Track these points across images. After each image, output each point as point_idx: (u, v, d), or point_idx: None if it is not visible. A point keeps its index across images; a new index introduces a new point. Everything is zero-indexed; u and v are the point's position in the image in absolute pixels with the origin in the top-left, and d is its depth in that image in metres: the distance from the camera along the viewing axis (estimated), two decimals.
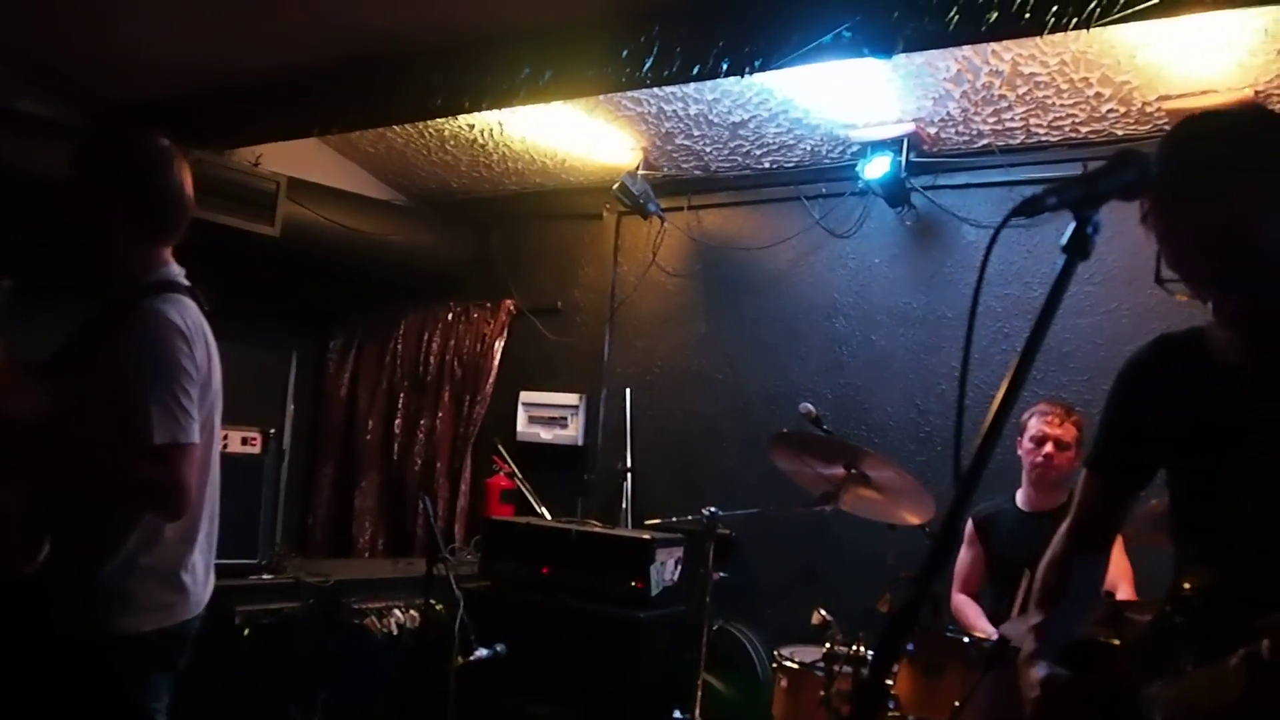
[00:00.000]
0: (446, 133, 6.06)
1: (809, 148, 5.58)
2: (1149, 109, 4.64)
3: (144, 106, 5.54)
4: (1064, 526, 2.05)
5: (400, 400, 6.97)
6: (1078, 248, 1.38)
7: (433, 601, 4.63)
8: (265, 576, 4.62)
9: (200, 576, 2.65)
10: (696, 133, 5.59)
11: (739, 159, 5.82)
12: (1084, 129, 4.90)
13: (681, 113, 5.40)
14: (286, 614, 4.55)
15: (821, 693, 3.74)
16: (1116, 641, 1.85)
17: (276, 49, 4.93)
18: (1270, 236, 1.64)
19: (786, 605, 5.21)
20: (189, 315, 2.57)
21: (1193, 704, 1.68)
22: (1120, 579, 3.92)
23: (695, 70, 4.15)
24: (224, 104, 5.45)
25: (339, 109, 5.16)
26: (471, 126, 5.93)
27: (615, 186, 5.83)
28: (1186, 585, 1.78)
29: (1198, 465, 1.82)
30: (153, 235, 2.66)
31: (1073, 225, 1.39)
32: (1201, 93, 4.41)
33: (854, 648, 3.71)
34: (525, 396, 6.52)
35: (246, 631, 4.38)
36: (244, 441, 4.67)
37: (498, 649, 4.48)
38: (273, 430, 4.80)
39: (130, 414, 2.41)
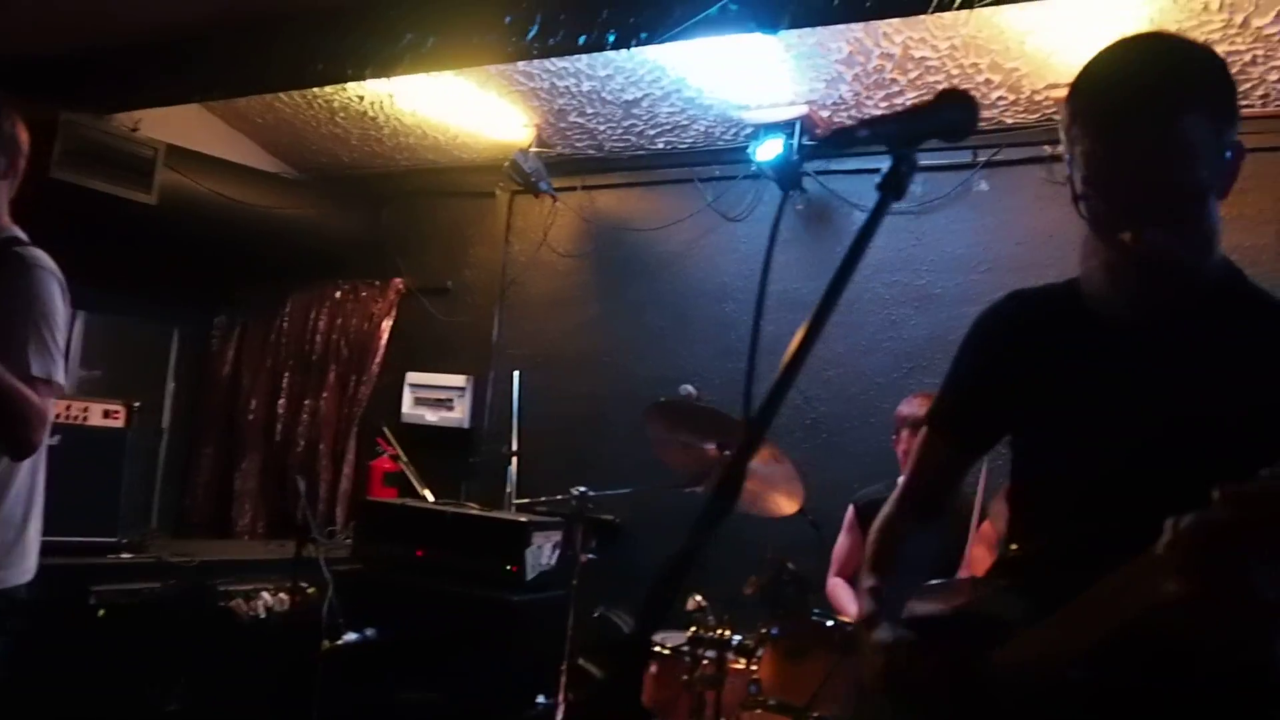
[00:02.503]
0: (336, 104, 5.89)
1: (703, 128, 5.50)
2: (1037, 97, 4.64)
3: (18, 65, 5.28)
4: (897, 490, 1.96)
5: (285, 380, 6.77)
6: (892, 186, 1.33)
7: (303, 584, 4.50)
8: (124, 555, 4.44)
9: (34, 540, 2.63)
10: (589, 110, 5.49)
11: (632, 139, 5.73)
12: None
13: (574, 89, 5.29)
14: (146, 594, 4.41)
15: (685, 677, 3.67)
16: (948, 609, 1.76)
17: (155, 4, 4.73)
18: (1188, 172, 1.50)
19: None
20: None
21: (1067, 635, 1.46)
22: None
23: (581, 40, 4.07)
24: (103, 65, 5.23)
25: (217, 73, 4.99)
26: (361, 98, 5.77)
27: (507, 164, 5.71)
28: (1013, 547, 1.71)
29: (1052, 425, 1.72)
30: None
31: (889, 163, 1.33)
32: None
33: (719, 631, 3.65)
34: (412, 377, 6.37)
35: (101, 612, 4.23)
36: (105, 415, 4.47)
37: (367, 633, 4.39)
38: (138, 404, 4.59)
39: (8, 345, 2.46)
